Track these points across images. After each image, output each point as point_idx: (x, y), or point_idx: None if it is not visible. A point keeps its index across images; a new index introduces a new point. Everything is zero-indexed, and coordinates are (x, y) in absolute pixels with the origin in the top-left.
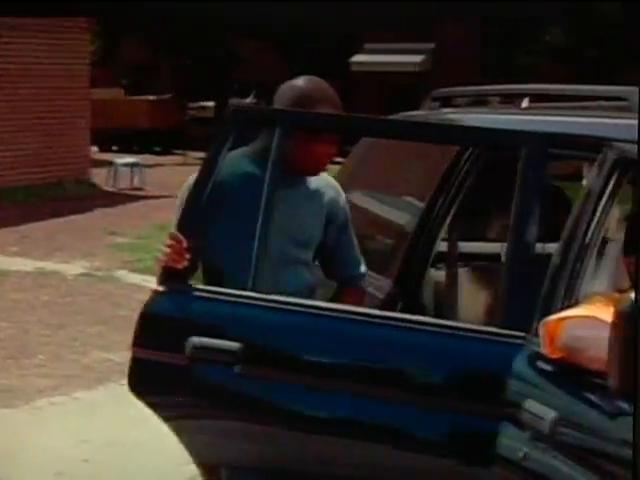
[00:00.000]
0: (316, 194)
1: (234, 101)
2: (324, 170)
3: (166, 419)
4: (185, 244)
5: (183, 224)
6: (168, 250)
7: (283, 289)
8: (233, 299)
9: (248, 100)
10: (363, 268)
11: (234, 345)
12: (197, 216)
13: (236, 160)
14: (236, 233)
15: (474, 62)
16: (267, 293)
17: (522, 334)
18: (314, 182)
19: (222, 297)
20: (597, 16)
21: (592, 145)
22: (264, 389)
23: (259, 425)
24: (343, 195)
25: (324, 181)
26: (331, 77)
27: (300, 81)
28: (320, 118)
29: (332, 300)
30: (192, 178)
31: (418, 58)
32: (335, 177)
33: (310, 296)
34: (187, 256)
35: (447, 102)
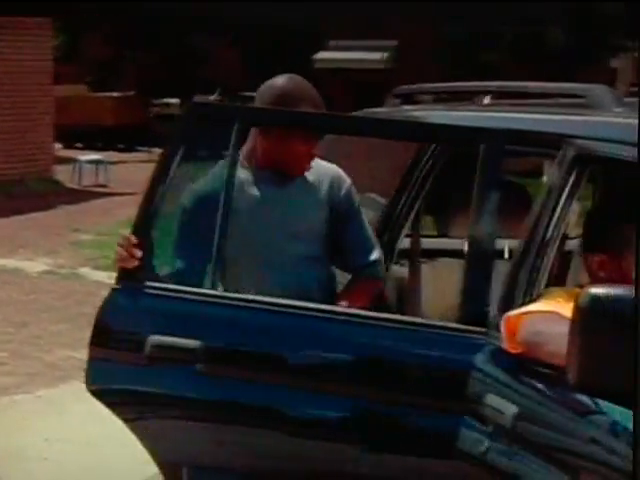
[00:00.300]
0: (312, 187)
1: (199, 98)
2: (307, 169)
3: (125, 418)
4: (135, 243)
5: (139, 222)
6: (119, 249)
7: (288, 287)
8: (191, 297)
9: (213, 97)
10: (374, 255)
11: (194, 343)
12: (152, 214)
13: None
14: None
15: (438, 59)
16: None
17: (483, 329)
18: (311, 175)
19: (179, 295)
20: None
21: (552, 142)
22: (224, 387)
23: (219, 424)
24: (346, 183)
25: (322, 172)
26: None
27: (280, 80)
28: (279, 115)
29: (343, 292)
30: (196, 185)
31: (382, 55)
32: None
33: (321, 290)
34: (138, 255)
35: (409, 99)
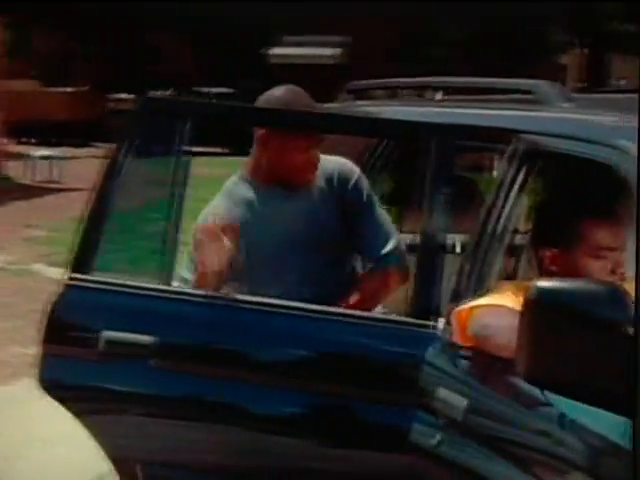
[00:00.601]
0: (321, 190)
1: (152, 94)
2: (311, 178)
3: (79, 414)
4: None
5: (90, 217)
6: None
7: (312, 299)
8: (143, 292)
9: (168, 93)
10: (391, 244)
11: (146, 339)
12: (104, 209)
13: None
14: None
15: (390, 54)
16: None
17: (435, 323)
18: (318, 176)
19: (131, 290)
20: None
21: (502, 137)
22: (178, 383)
23: (173, 419)
24: (354, 174)
25: (329, 169)
26: (250, 70)
27: (278, 91)
28: (232, 110)
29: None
30: (213, 206)
31: (335, 51)
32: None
33: (343, 292)
34: (93, 249)
35: (362, 94)
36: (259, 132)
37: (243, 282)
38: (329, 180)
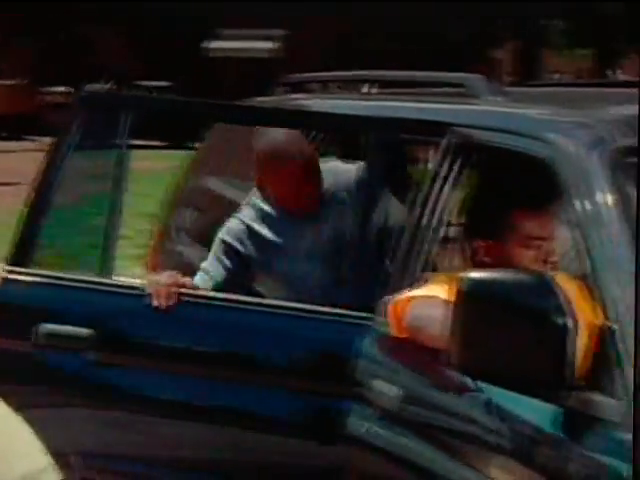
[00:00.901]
0: (328, 204)
1: (89, 86)
2: (314, 206)
3: (15, 407)
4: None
5: (30, 211)
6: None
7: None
8: (79, 285)
9: (102, 86)
10: None
11: (82, 331)
12: (43, 203)
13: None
14: None
15: (328, 47)
16: None
17: (370, 315)
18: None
19: (67, 283)
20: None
21: (434, 130)
22: (113, 375)
23: (109, 411)
24: (349, 173)
25: (330, 177)
26: (188, 64)
27: (274, 134)
28: (172, 103)
29: None
30: (233, 223)
31: (272, 44)
32: (190, 162)
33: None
34: (31, 243)
35: (297, 88)
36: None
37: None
38: (335, 188)
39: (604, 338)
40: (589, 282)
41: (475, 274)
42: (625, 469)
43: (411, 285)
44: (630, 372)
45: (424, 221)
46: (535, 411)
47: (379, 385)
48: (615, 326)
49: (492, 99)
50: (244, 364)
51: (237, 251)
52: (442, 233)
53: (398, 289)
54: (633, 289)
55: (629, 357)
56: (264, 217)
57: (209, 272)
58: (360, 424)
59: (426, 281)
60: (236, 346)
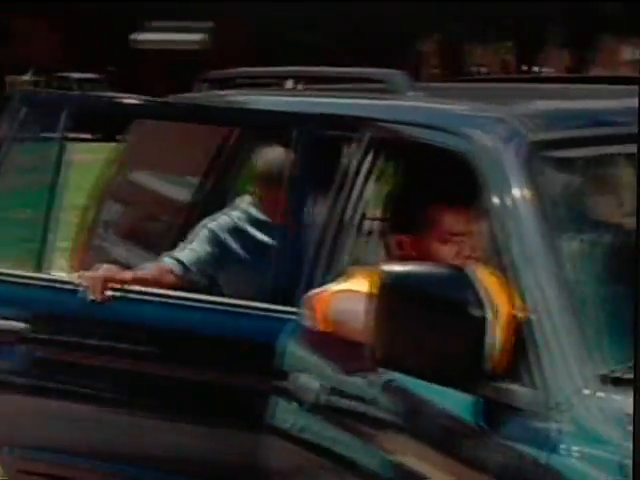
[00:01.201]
0: None
1: (10, 78)
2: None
3: None
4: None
5: None
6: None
7: None
8: (12, 280)
9: (26, 77)
10: None
11: (18, 325)
12: None
13: None
14: None
15: (254, 41)
16: None
17: (291, 309)
18: None
19: (3, 277)
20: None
21: (355, 125)
22: (49, 369)
23: (44, 404)
24: None
25: None
26: (113, 56)
27: (273, 153)
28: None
29: None
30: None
31: (198, 37)
32: (116, 156)
33: None
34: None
35: (220, 84)
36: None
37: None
38: None
39: (521, 329)
40: (507, 275)
41: (394, 268)
42: (542, 457)
43: (335, 279)
44: (546, 362)
45: (347, 216)
46: (454, 401)
47: (303, 379)
48: (532, 317)
49: (412, 94)
50: (172, 357)
51: (220, 241)
52: (365, 228)
53: (323, 283)
54: (549, 281)
55: (546, 348)
56: (251, 220)
57: (195, 249)
58: (285, 418)
59: (349, 275)
60: (164, 340)
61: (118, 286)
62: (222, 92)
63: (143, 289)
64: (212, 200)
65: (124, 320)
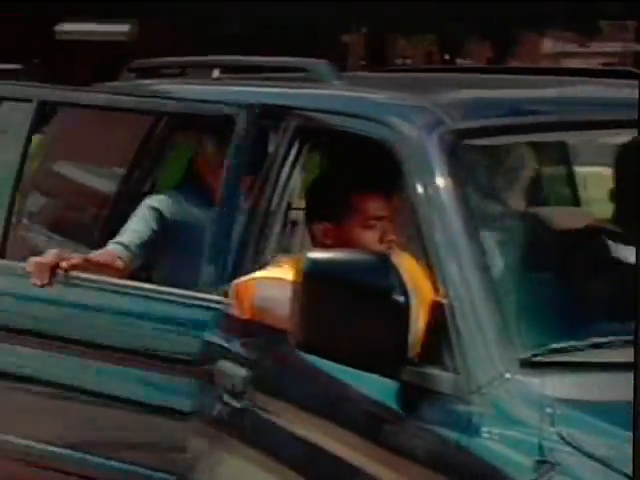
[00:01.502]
0: None
1: None
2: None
3: None
4: None
5: None
6: None
7: None
8: None
9: None
10: None
11: None
12: None
13: None
14: None
15: (181, 32)
16: None
17: (217, 297)
18: None
19: None
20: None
21: (278, 114)
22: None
23: None
24: None
25: None
26: (38, 47)
27: None
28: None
29: None
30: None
31: (125, 27)
32: (39, 146)
33: None
34: None
35: (145, 73)
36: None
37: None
38: None
39: (443, 315)
40: (429, 261)
41: (316, 255)
42: (463, 440)
43: (261, 268)
44: (468, 347)
45: (273, 205)
46: (377, 387)
47: (226, 366)
48: (453, 303)
49: (337, 83)
50: (101, 343)
51: (163, 216)
52: (289, 216)
53: (247, 272)
54: (469, 267)
55: (467, 333)
56: (192, 200)
57: (137, 230)
58: (208, 403)
59: (274, 263)
60: (94, 325)
61: (65, 272)
62: (147, 81)
63: (75, 275)
64: (138, 190)
65: (61, 305)
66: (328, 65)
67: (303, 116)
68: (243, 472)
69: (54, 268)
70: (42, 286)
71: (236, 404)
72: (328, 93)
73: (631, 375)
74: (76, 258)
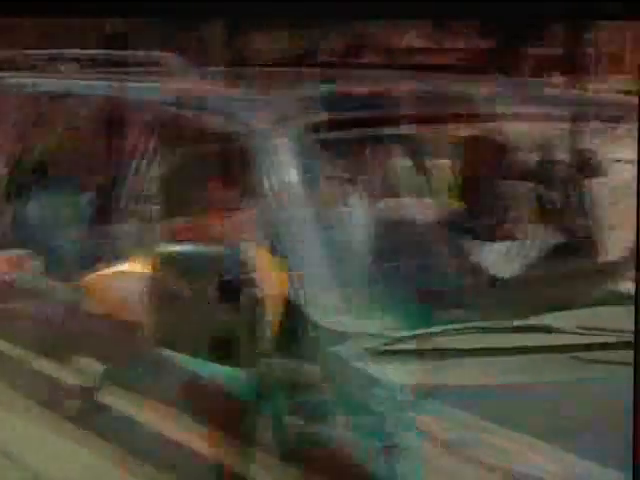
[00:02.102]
0: None
1: None
2: None
3: None
4: None
5: None
6: None
7: None
8: None
9: None
10: None
11: None
12: None
13: None
14: None
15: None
16: None
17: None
18: None
19: None
20: None
21: (135, 107)
22: None
23: None
24: None
25: None
26: None
27: None
28: None
29: None
30: None
31: None
32: None
33: None
34: None
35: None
36: None
37: None
38: None
39: (294, 306)
40: (279, 253)
41: (166, 248)
42: (311, 428)
43: (114, 263)
44: (317, 337)
45: (128, 200)
46: (229, 377)
47: (84, 362)
48: (303, 294)
49: (191, 78)
50: None
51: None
52: (145, 211)
53: (96, 265)
54: (318, 259)
55: (317, 324)
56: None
57: None
58: (70, 400)
59: (127, 258)
60: None
61: None
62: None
63: None
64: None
65: None
66: (181, 59)
67: (157, 110)
68: None
69: None
70: None
71: (95, 399)
72: (180, 87)
73: (465, 361)
74: None
